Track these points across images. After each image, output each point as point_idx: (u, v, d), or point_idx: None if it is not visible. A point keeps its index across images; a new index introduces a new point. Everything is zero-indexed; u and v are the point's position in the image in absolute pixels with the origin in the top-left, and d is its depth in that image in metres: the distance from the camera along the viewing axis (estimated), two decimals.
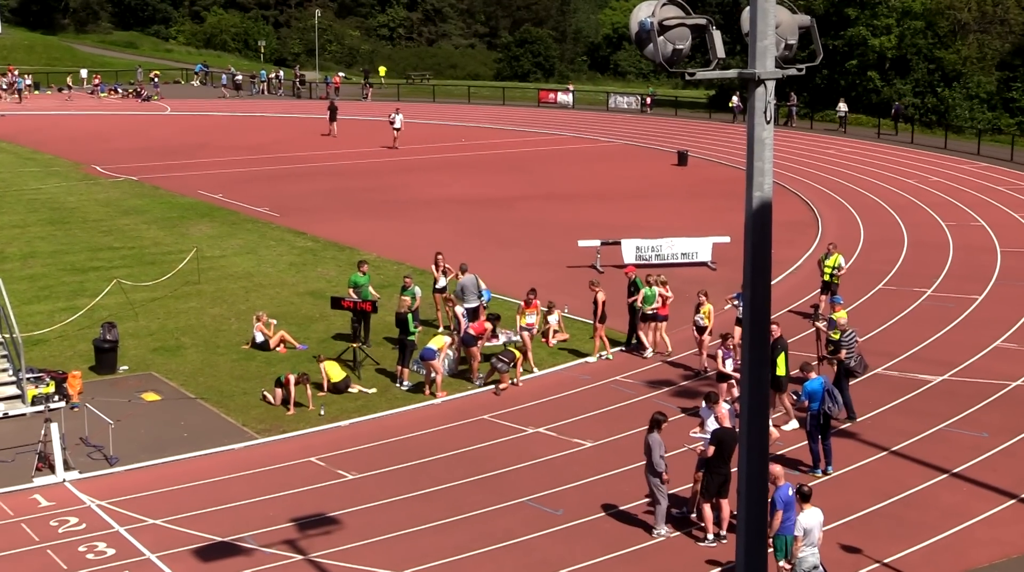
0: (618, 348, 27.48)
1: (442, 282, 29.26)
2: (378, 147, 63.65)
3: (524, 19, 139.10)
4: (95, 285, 32.63)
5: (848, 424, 22.39)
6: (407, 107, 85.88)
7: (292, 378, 23.94)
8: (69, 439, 21.11)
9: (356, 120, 77.65)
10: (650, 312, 27.23)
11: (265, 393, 24.36)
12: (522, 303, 26.72)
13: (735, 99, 75.13)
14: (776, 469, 16.34)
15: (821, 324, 25.52)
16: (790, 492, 16.14)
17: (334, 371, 25.07)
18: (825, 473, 20.21)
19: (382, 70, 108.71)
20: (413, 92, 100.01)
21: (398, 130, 62.63)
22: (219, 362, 26.85)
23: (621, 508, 18.99)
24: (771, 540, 16.44)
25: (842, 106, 72.22)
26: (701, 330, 26.06)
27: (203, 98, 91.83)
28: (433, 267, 29.45)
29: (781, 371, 22.12)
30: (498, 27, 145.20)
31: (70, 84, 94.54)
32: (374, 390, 24.87)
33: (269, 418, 23.25)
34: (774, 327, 22.51)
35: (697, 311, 26.08)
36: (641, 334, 27.47)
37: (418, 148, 62.33)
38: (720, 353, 23.37)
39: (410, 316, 25.78)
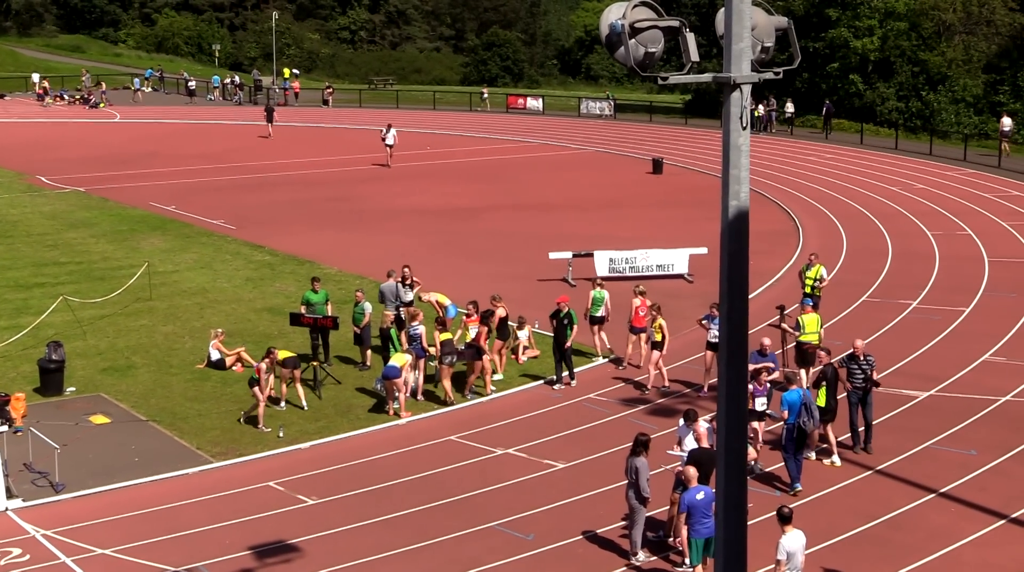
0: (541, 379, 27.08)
1: (409, 296, 29.28)
2: (338, 156, 63.57)
3: (492, 21, 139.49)
4: (40, 302, 32.42)
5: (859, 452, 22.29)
6: (369, 114, 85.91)
7: (263, 367, 24.00)
8: (12, 465, 20.94)
9: (317, 128, 77.58)
10: (598, 316, 27.86)
11: (244, 414, 24.24)
12: (464, 317, 26.57)
13: (762, 108, 72.86)
14: (690, 472, 17.31)
15: (788, 326, 26.00)
16: (699, 496, 16.83)
17: (284, 354, 25.26)
18: (792, 490, 20.29)
19: (287, 71, 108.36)
20: (375, 98, 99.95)
21: (391, 146, 59.91)
22: (172, 382, 26.72)
23: (595, 532, 19.00)
24: (686, 544, 17.43)
25: (789, 106, 73.33)
26: (654, 346, 25.85)
27: (154, 105, 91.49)
28: (400, 280, 29.43)
29: (821, 401, 21.34)
30: (464, 30, 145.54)
31: (47, 88, 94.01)
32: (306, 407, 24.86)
33: (225, 441, 23.15)
34: (822, 354, 22.22)
35: (649, 325, 26.02)
36: (596, 338, 28.18)
37: (381, 157, 62.21)
38: (751, 388, 21.53)
39: (393, 331, 25.82)
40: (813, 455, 21.58)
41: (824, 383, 21.59)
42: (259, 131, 72.89)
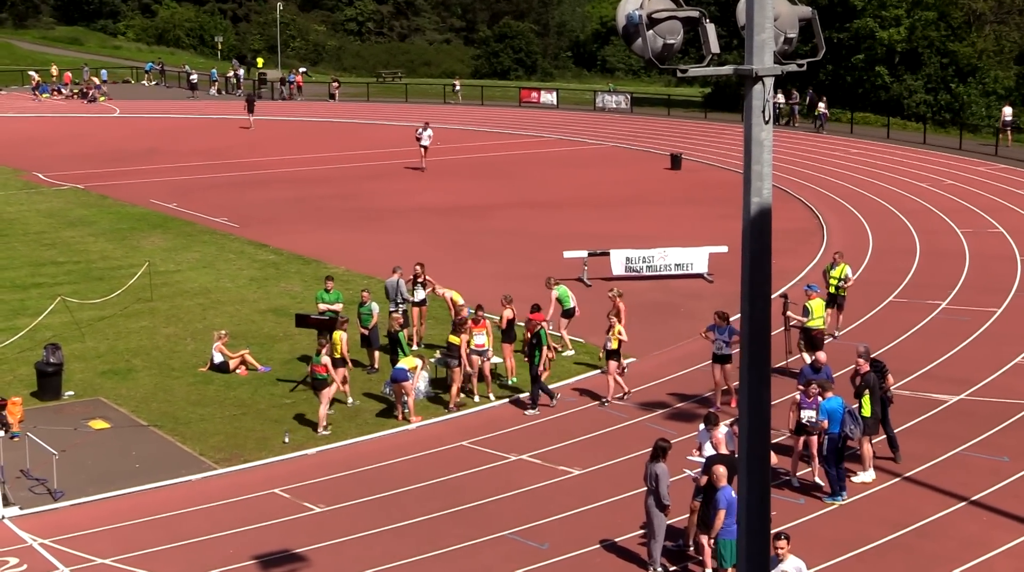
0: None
1: (421, 295, 29.32)
2: (345, 152, 63.64)
3: (504, 12, 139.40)
4: (37, 303, 32.52)
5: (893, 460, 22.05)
6: (377, 108, 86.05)
7: (326, 360, 24.08)
8: (9, 472, 21.01)
9: (323, 123, 77.69)
10: (571, 308, 28.55)
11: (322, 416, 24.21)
12: (470, 322, 26.38)
13: (822, 106, 71.18)
14: (720, 470, 17.18)
15: (792, 313, 26.36)
16: (733, 494, 16.55)
17: (338, 340, 25.46)
18: (832, 500, 20.27)
19: (260, 60, 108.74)
20: (384, 92, 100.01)
21: (426, 147, 56.98)
22: (174, 386, 26.78)
23: (613, 541, 19.00)
24: (713, 544, 17.32)
25: (821, 105, 71.42)
26: (610, 354, 25.36)
27: (155, 99, 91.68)
28: (412, 278, 29.44)
29: (867, 412, 21.01)
30: (476, 21, 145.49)
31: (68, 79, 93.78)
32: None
33: (228, 446, 23.20)
34: (860, 361, 21.66)
35: (607, 333, 25.58)
36: (563, 333, 28.65)
37: (389, 153, 62.30)
38: (798, 396, 21.33)
39: (401, 335, 25.85)
40: (870, 475, 21.20)
41: (867, 392, 21.16)
42: (267, 126, 73.02)
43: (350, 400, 25.58)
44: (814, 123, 71.15)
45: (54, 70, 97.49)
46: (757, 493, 10.81)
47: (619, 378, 25.64)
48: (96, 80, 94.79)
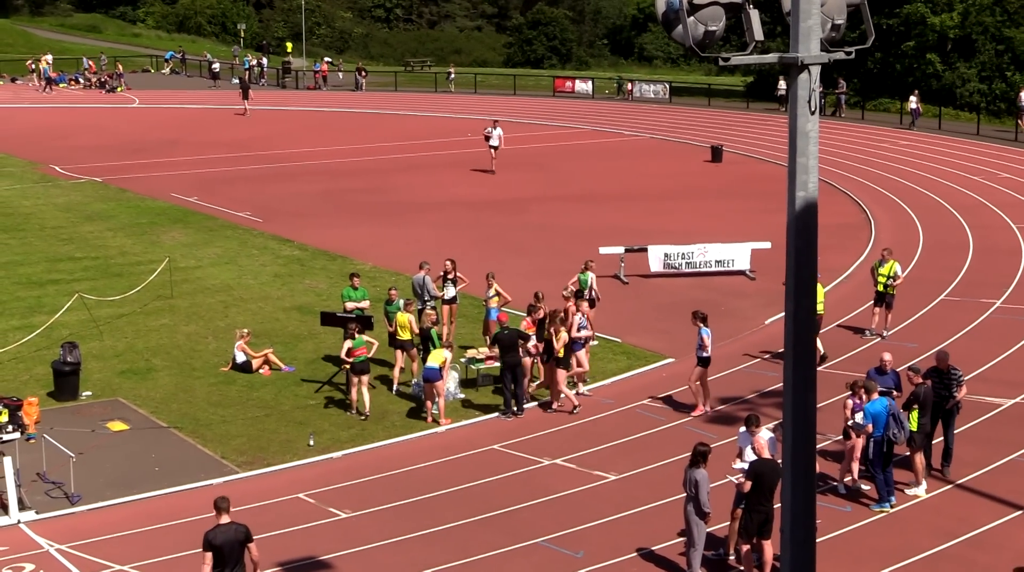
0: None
1: (451, 292, 29.31)
2: (372, 144, 63.79)
3: None
4: (54, 300, 32.72)
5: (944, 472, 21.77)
6: (405, 98, 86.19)
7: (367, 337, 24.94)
8: (25, 475, 21.13)
9: (349, 114, 77.88)
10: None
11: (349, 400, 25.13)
12: (525, 321, 26.43)
13: (913, 100, 69.95)
14: None
15: None
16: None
17: (406, 322, 26.18)
18: (880, 508, 20.18)
19: (288, 45, 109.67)
20: (412, 81, 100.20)
21: (495, 148, 54.64)
22: (195, 386, 26.89)
23: (650, 550, 18.97)
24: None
25: (913, 100, 69.73)
26: (558, 362, 24.98)
27: (175, 89, 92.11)
28: (442, 276, 29.45)
29: (913, 426, 20.71)
30: (508, 7, 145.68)
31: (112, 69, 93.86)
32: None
33: (251, 449, 23.28)
34: (912, 374, 21.35)
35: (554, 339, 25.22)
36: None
37: (418, 144, 62.36)
38: (850, 404, 21.07)
39: (433, 332, 25.93)
40: (922, 489, 20.94)
41: (916, 405, 20.89)
42: (292, 117, 73.21)
43: (400, 386, 26.39)
44: (910, 120, 69.50)
45: (47, 59, 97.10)
46: (802, 501, 10.78)
47: (566, 390, 25.24)
48: (93, 67, 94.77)
